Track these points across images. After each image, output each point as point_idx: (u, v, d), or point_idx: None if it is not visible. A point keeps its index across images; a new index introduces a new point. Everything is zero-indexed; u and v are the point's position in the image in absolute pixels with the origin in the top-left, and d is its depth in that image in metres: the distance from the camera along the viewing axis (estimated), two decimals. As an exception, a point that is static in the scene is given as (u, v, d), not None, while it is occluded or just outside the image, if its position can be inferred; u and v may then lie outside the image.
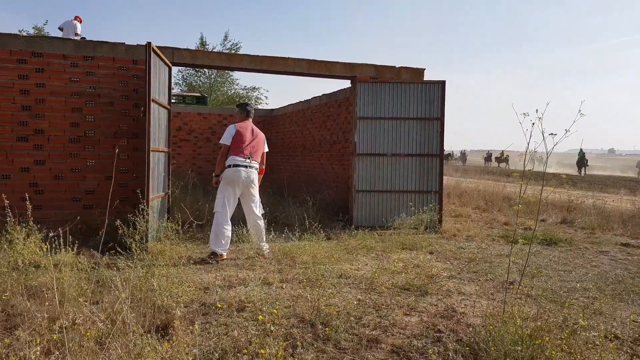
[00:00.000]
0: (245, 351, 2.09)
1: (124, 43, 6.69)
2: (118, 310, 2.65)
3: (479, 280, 4.53)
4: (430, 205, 7.45)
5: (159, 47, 6.18)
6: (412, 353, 2.79)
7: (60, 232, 4.02)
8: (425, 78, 8.29)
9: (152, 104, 5.71)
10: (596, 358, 2.51)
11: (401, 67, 8.29)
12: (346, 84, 9.03)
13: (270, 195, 9.58)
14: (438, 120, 7.84)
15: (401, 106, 7.82)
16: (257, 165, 5.59)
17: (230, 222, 5.44)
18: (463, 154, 46.21)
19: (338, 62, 8.02)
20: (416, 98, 7.83)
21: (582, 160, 33.91)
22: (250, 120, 5.77)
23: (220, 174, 5.53)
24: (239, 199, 5.58)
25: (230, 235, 5.41)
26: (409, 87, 7.84)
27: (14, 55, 6.14)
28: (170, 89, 6.78)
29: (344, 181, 9.06)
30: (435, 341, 2.97)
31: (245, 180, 5.43)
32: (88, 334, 2.04)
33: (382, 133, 7.79)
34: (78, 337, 1.95)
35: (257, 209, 5.61)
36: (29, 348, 1.82)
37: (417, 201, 7.59)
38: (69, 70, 6.39)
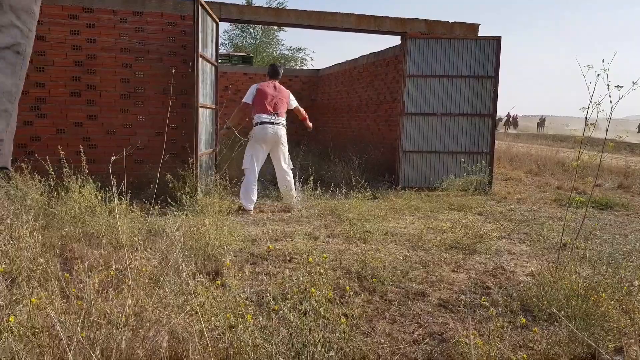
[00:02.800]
0: (296, 290, 2.11)
1: (172, -3, 6.70)
2: (171, 256, 2.73)
3: (530, 241, 4.39)
4: (481, 165, 7.22)
5: (206, 2, 6.15)
6: (460, 307, 2.75)
7: (114, 182, 4.18)
8: (480, 34, 7.90)
9: (200, 60, 5.72)
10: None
11: (454, 22, 7.92)
12: (395, 41, 8.75)
13: (316, 155, 9.58)
14: (492, 78, 7.49)
15: (453, 63, 7.51)
16: (283, 122, 5.67)
17: (256, 178, 5.61)
18: (514, 118, 44.09)
19: (388, 17, 7.75)
20: (469, 55, 7.49)
21: None
22: (276, 80, 5.80)
23: (230, 127, 5.64)
24: (268, 155, 5.68)
25: (256, 191, 5.61)
26: (462, 44, 7.50)
27: (65, 11, 6.26)
28: (217, 45, 6.78)
29: (391, 142, 8.91)
30: (484, 296, 2.90)
31: (273, 136, 5.51)
32: (144, 269, 2.11)
33: (432, 92, 7.53)
34: (134, 273, 2.03)
35: (286, 164, 5.70)
36: (88, 279, 1.90)
37: (467, 162, 7.38)
38: (119, 26, 6.47)
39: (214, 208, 4.64)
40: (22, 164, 4.95)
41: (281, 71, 5.98)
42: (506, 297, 2.88)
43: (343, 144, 11.01)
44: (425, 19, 7.84)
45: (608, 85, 3.11)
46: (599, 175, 8.85)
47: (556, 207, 6.23)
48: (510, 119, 42.46)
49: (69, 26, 6.29)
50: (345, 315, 2.52)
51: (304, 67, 26.09)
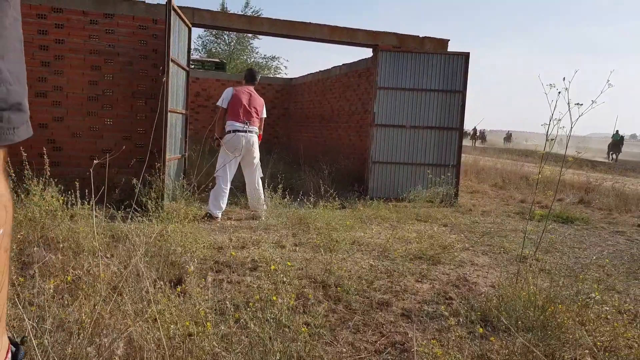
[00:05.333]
0: (257, 297, 2.10)
1: (144, 1, 6.63)
2: (132, 262, 2.68)
3: (493, 253, 4.49)
4: (447, 178, 7.37)
5: (179, 7, 6.11)
6: (422, 317, 2.79)
7: (77, 186, 4.08)
8: (450, 49, 8.09)
9: (171, 64, 5.67)
10: (608, 329, 2.47)
11: (425, 37, 8.10)
12: (367, 53, 8.88)
13: (287, 164, 9.57)
14: (460, 93, 7.67)
15: (423, 77, 7.66)
16: (256, 130, 5.66)
17: (228, 186, 5.53)
18: (481, 132, 45.10)
19: (360, 29, 7.86)
20: (438, 69, 7.66)
21: (617, 145, 28.51)
22: (252, 85, 5.78)
23: (220, 136, 5.60)
24: (240, 163, 5.66)
25: (226, 199, 5.57)
26: (432, 58, 7.66)
27: (33, 10, 6.12)
28: (189, 50, 6.73)
29: (361, 152, 8.99)
30: (446, 307, 2.95)
31: (246, 144, 5.49)
32: (102, 275, 2.06)
33: (402, 104, 7.66)
34: (91, 279, 1.98)
35: (257, 173, 5.69)
36: (43, 284, 1.85)
37: (434, 174, 7.51)
38: (89, 28, 6.36)
39: (179, 214, 4.57)
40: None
41: (258, 77, 5.96)
42: (467, 307, 2.94)
43: (314, 153, 11.05)
44: (396, 33, 7.99)
45: (568, 104, 3.23)
46: (561, 190, 9.14)
47: (519, 220, 6.40)
48: (478, 133, 43.42)
49: (36, 25, 6.13)
50: (308, 324, 2.52)
51: (278, 76, 26.11)
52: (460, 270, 3.82)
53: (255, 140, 5.64)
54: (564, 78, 3.18)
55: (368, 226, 5.35)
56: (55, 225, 3.53)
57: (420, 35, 8.08)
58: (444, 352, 2.14)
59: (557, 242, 5.07)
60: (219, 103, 5.62)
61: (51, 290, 1.83)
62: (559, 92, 3.14)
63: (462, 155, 7.86)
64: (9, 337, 1.29)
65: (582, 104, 3.06)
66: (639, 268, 4.33)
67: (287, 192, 5.83)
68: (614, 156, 28.62)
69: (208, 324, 1.86)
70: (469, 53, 7.68)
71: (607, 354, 2.22)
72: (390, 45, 7.86)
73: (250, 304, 2.39)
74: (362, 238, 4.74)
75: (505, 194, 8.91)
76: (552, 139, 3.39)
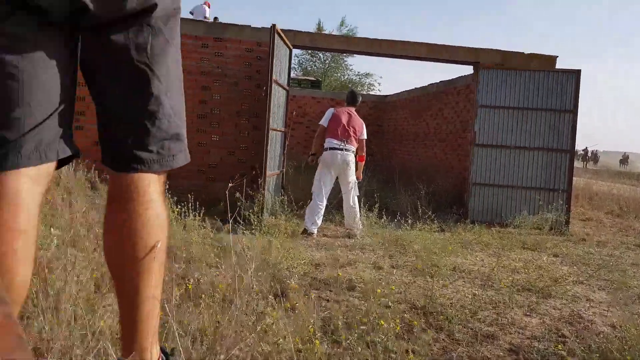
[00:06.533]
0: (365, 320, 2.08)
1: (249, 26, 7.01)
2: (246, 275, 2.80)
3: (611, 288, 4.09)
4: (557, 204, 6.87)
5: (281, 30, 6.38)
6: (532, 354, 2.60)
7: (191, 198, 4.38)
8: (559, 66, 7.62)
9: (274, 85, 5.92)
10: None
11: (531, 53, 7.71)
12: (467, 69, 8.62)
13: (381, 182, 9.53)
14: (570, 113, 7.17)
15: (529, 95, 7.28)
16: (353, 149, 5.72)
17: (324, 203, 5.59)
18: (593, 154, 41.62)
19: (460, 46, 7.68)
20: (546, 88, 7.23)
21: None
22: (353, 107, 5.86)
23: (315, 153, 5.70)
24: (337, 180, 5.71)
25: (322, 215, 5.61)
26: (538, 75, 7.26)
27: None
28: (289, 70, 6.99)
29: (459, 173, 8.71)
30: (559, 344, 2.73)
31: (341, 162, 5.53)
32: (220, 286, 2.17)
33: (505, 123, 7.32)
34: (210, 288, 2.10)
35: (353, 191, 5.69)
36: (169, 291, 1.99)
37: (542, 199, 7.05)
38: (200, 51, 6.83)
39: (280, 229, 4.71)
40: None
41: (359, 99, 6.06)
42: (584, 347, 2.69)
43: (409, 172, 10.90)
44: (500, 50, 7.69)
45: None
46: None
47: (640, 253, 5.79)
48: (589, 154, 40.24)
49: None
50: (413, 352, 2.45)
51: (371, 93, 26.22)
52: (573, 306, 3.52)
53: (351, 159, 5.68)
54: None
55: (470, 252, 5.14)
56: (171, 235, 3.79)
57: (526, 52, 7.71)
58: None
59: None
60: (321, 122, 5.77)
61: (177, 298, 1.96)
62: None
63: (573, 178, 7.31)
64: (160, 348, 1.40)
65: None
66: None
67: (383, 212, 5.79)
68: None
69: (317, 341, 1.88)
70: (580, 70, 7.18)
71: None
72: (492, 63, 7.58)
73: (355, 325, 2.38)
74: (464, 264, 4.55)
75: (623, 223, 8.13)
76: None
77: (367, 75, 28.56)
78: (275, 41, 5.89)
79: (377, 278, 3.82)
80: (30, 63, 1.04)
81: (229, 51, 6.95)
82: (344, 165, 5.62)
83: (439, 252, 4.64)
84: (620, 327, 3.00)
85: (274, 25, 5.84)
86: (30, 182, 1.07)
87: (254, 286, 2.28)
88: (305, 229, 5.52)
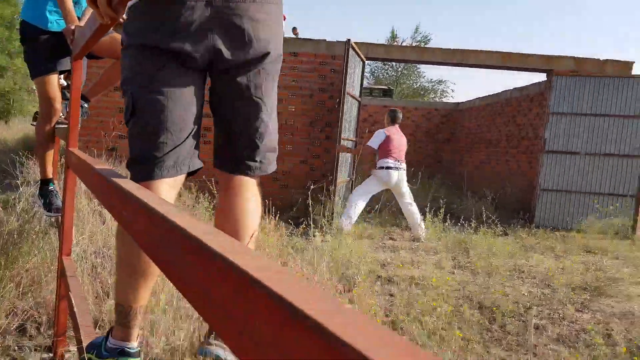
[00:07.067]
0: (420, 302, 2.46)
1: (325, 40, 7.51)
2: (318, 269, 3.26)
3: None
4: (624, 209, 6.76)
5: (355, 43, 6.83)
6: (577, 343, 2.83)
7: (267, 203, 4.92)
8: (635, 72, 7.45)
9: (346, 97, 6.37)
10: None
11: (606, 59, 7.60)
12: (539, 77, 8.61)
13: (449, 189, 9.68)
14: (644, 118, 7.01)
15: (602, 102, 7.20)
16: (405, 166, 6.05)
17: (363, 203, 5.96)
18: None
19: (533, 54, 7.72)
20: (621, 94, 7.12)
21: None
22: (397, 124, 6.17)
23: (352, 153, 6.20)
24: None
25: (358, 213, 5.92)
26: (614, 82, 7.16)
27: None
28: (362, 82, 7.42)
29: (530, 179, 8.68)
30: (605, 337, 2.93)
31: (397, 181, 5.89)
32: (298, 273, 2.64)
33: (577, 130, 7.28)
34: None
35: (409, 199, 6.01)
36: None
37: (608, 204, 6.96)
38: (277, 66, 7.43)
39: (349, 232, 5.14)
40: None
41: (401, 116, 6.33)
42: (628, 340, 2.88)
43: (479, 179, 10.93)
44: (573, 57, 7.65)
45: None
46: None
47: None
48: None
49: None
50: (462, 338, 2.78)
51: (444, 100, 26.02)
52: (627, 304, 3.64)
53: (404, 176, 6.02)
54: None
55: (531, 255, 5.28)
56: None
57: (601, 58, 7.61)
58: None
59: None
60: (370, 143, 6.04)
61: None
62: None
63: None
64: None
65: None
66: None
67: (447, 217, 6.04)
68: None
69: (378, 320, 2.29)
70: (658, 75, 6.99)
71: None
72: (567, 69, 7.56)
73: (412, 311, 2.76)
74: (523, 266, 4.74)
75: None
76: None
77: (439, 82, 28.35)
78: (350, 55, 6.32)
79: (438, 276, 4.14)
80: (173, 101, 1.55)
81: (304, 65, 7.49)
82: (399, 182, 5.96)
83: (500, 254, 4.85)
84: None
85: (348, 40, 6.27)
86: (169, 187, 1.58)
87: (326, 276, 2.73)
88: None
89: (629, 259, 5.26)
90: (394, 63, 28.45)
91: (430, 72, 60.92)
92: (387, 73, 28.91)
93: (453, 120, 14.29)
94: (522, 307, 3.42)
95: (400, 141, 6.08)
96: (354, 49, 6.53)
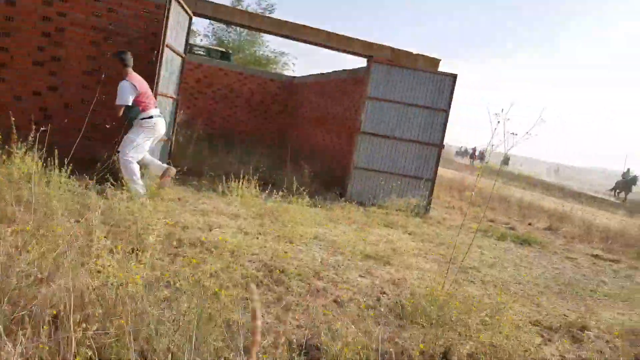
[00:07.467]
0: (196, 260, 2.36)
1: (149, -15, 6.86)
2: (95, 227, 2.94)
3: (441, 261, 4.77)
4: (421, 190, 7.66)
5: (183, -5, 6.37)
6: (350, 305, 3.06)
7: (56, 153, 4.34)
8: (441, 69, 8.37)
9: (166, 50, 5.93)
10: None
11: (418, 53, 8.38)
12: (363, 62, 9.14)
13: (274, 159, 9.83)
14: (444, 111, 7.96)
15: (411, 92, 7.94)
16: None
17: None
18: (481, 153, 45.36)
19: (357, 38, 8.14)
20: (427, 87, 7.95)
21: (627, 185, 27.02)
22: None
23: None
24: None
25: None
26: (422, 75, 7.94)
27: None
28: (188, 38, 6.99)
29: (348, 157, 9.26)
30: (376, 300, 3.23)
31: (162, 129, 5.70)
32: (59, 229, 2.33)
33: (388, 115, 7.94)
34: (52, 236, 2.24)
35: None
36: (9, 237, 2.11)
37: (410, 185, 7.80)
38: (92, 4, 6.59)
39: (151, 191, 4.84)
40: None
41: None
42: (395, 302, 3.21)
43: (304, 153, 11.32)
44: (391, 47, 8.27)
45: (504, 133, 3.52)
46: (534, 215, 9.44)
47: (482, 237, 6.67)
48: (476, 153, 43.74)
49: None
50: (246, 298, 2.79)
51: (284, 72, 26.36)
52: (404, 272, 4.09)
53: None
54: (502, 109, 3.44)
55: (335, 226, 5.62)
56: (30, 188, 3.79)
57: (414, 52, 8.37)
58: (355, 334, 2.41)
59: (507, 259, 5.35)
60: (122, 102, 5.49)
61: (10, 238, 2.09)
62: (498, 122, 3.41)
63: (453, 172, 8.15)
64: None
65: (516, 134, 3.36)
66: (570, 291, 4.62)
67: (262, 186, 6.08)
68: (622, 195, 27.47)
69: (137, 276, 2.13)
70: (456, 75, 7.97)
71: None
72: (384, 58, 8.14)
73: (191, 277, 2.66)
74: (325, 235, 5.00)
75: (478, 212, 9.19)
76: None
77: (282, 53, 28.57)
78: (173, 5, 5.88)
79: (239, 242, 4.11)
80: None
81: (124, 9, 6.76)
82: (162, 130, 5.75)
83: (306, 223, 5.05)
84: (428, 288, 3.57)
85: (170, -12, 5.81)
86: None
87: (97, 234, 2.46)
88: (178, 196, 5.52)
89: (417, 234, 5.94)
90: (237, 27, 27.82)
91: (274, 43, 61.12)
92: (230, 36, 28.16)
93: (287, 93, 14.53)
94: (311, 272, 3.58)
95: (146, 85, 5.63)
96: (177, 1, 6.09)
